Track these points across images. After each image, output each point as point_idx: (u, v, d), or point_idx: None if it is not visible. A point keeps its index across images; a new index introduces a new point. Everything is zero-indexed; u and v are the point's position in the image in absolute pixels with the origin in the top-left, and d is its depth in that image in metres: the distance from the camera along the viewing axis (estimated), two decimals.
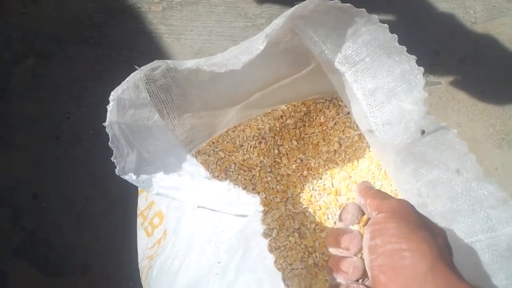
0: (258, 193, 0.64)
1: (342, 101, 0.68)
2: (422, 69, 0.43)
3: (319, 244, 0.61)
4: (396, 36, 0.43)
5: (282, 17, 0.44)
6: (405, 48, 0.43)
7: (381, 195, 0.38)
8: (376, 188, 0.44)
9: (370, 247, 0.33)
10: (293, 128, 0.68)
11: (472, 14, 1.22)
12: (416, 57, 0.43)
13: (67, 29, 1.16)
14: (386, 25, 0.43)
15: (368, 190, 0.40)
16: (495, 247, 0.41)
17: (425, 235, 0.32)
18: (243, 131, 0.67)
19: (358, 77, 0.47)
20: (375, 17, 0.43)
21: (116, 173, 0.42)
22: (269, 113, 0.69)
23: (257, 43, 0.44)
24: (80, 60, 1.13)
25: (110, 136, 0.42)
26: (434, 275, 0.30)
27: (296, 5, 0.44)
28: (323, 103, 0.69)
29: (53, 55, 1.13)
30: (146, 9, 1.20)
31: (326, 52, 0.48)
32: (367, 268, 0.35)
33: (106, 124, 0.42)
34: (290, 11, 0.44)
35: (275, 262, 0.58)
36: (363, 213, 0.40)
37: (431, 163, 0.45)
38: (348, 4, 0.43)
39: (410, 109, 0.45)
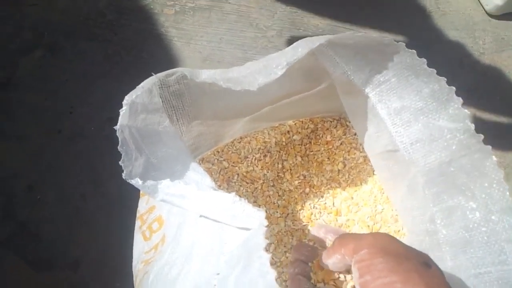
0: (259, 206, 0.64)
1: (350, 122, 0.68)
2: (453, 88, 0.43)
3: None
4: (424, 60, 0.43)
5: (306, 47, 0.44)
6: (434, 71, 0.43)
7: (351, 238, 0.38)
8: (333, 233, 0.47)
9: (361, 284, 0.34)
10: (299, 144, 0.68)
11: (481, 45, 1.23)
12: (446, 79, 0.43)
13: (78, 24, 1.16)
14: (414, 50, 0.43)
15: (335, 244, 0.40)
16: (506, 280, 0.41)
17: (413, 265, 0.33)
18: (249, 143, 0.67)
19: (382, 97, 0.47)
20: (402, 44, 0.43)
21: (123, 177, 0.42)
22: (276, 127, 0.69)
23: (276, 67, 0.44)
24: (89, 56, 1.12)
25: (120, 140, 0.42)
26: None
27: (322, 38, 0.44)
28: (331, 121, 0.69)
29: (61, 48, 1.13)
30: (158, 11, 1.20)
31: (349, 73, 0.48)
32: None
33: (117, 127, 0.42)
34: (315, 43, 0.44)
35: None
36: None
37: (457, 188, 0.45)
38: (374, 35, 0.43)
39: (450, 126, 0.44)
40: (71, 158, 1.02)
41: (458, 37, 1.23)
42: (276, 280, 0.33)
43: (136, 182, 0.43)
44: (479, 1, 1.28)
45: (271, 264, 0.60)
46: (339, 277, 0.42)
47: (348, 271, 0.42)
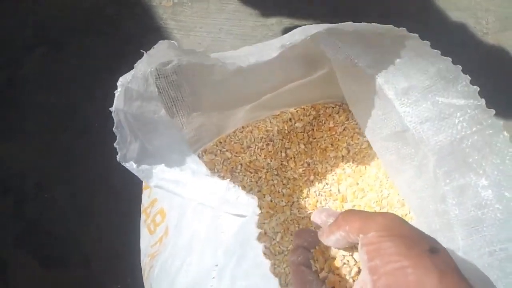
0: (264, 195, 0.63)
1: None
2: (459, 67, 0.43)
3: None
4: (428, 42, 0.43)
5: (303, 34, 0.44)
6: (439, 52, 0.43)
7: (357, 216, 0.36)
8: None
9: (370, 268, 0.33)
10: (301, 132, 0.68)
11: (484, 25, 1.21)
12: (451, 59, 0.43)
13: (80, 19, 1.16)
14: (416, 34, 0.43)
15: (338, 220, 0.38)
16: None
17: (424, 249, 0.32)
18: (251, 132, 0.67)
19: (389, 78, 0.47)
20: (404, 29, 0.43)
21: (117, 160, 0.41)
22: (278, 115, 0.68)
23: (271, 49, 0.44)
24: (92, 51, 1.12)
25: (115, 122, 0.42)
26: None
27: (320, 27, 0.43)
28: (333, 107, 0.68)
29: (65, 44, 1.13)
30: (156, 3, 1.20)
31: (353, 56, 0.47)
32: None
33: (112, 109, 0.42)
34: (313, 31, 0.44)
35: (278, 266, 0.58)
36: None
37: (469, 166, 0.44)
38: (374, 23, 0.42)
39: (460, 103, 0.44)
40: (79, 154, 1.02)
41: (461, 17, 1.21)
42: (270, 269, 0.33)
43: (131, 165, 0.42)
44: None
45: (279, 253, 0.60)
46: (344, 264, 0.42)
47: (351, 248, 0.40)
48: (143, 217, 0.60)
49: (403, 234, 0.33)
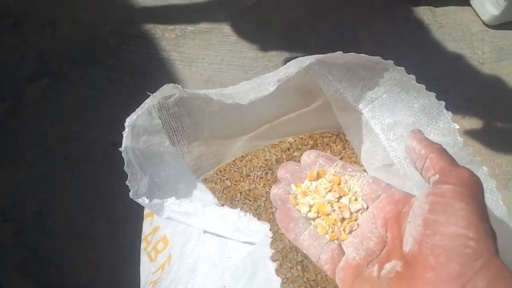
0: None
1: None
2: (443, 103, 0.44)
3: (321, 278, 0.61)
4: (413, 76, 0.44)
5: (297, 66, 0.45)
6: (423, 86, 0.44)
7: (449, 157, 0.31)
8: None
9: (428, 220, 0.29)
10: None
11: (480, 55, 1.24)
12: (435, 94, 0.44)
13: (82, 51, 1.19)
14: (402, 67, 0.44)
15: (432, 142, 0.33)
16: None
17: (490, 228, 0.29)
18: (250, 161, 0.68)
19: (375, 113, 0.48)
20: (391, 62, 0.44)
21: (130, 197, 0.43)
22: (277, 144, 0.70)
23: (268, 84, 0.45)
24: (93, 81, 1.15)
25: (125, 161, 0.43)
26: (489, 270, 0.27)
27: (312, 57, 0.45)
28: (330, 137, 0.70)
29: (66, 75, 1.16)
30: (159, 35, 1.23)
31: (342, 90, 0.49)
32: (410, 238, 0.31)
33: (122, 149, 0.43)
34: (306, 62, 0.45)
35: None
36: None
37: None
38: (362, 54, 0.44)
39: (440, 140, 0.44)
40: (78, 183, 1.03)
41: (457, 48, 1.24)
42: (281, 286, 0.33)
43: (143, 201, 0.44)
44: (476, 12, 1.29)
45: None
46: (333, 211, 0.39)
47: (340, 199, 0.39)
48: (143, 244, 0.60)
49: (480, 204, 0.29)
